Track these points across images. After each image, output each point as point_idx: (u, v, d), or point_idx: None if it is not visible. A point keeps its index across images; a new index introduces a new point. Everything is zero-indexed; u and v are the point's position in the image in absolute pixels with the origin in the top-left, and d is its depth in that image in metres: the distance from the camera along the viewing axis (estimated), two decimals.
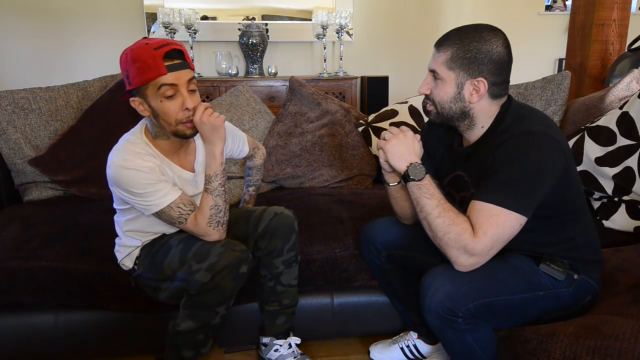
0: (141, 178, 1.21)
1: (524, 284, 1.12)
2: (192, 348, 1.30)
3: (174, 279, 1.28)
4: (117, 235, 1.42)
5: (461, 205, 1.17)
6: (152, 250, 1.37)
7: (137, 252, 1.40)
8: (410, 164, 1.15)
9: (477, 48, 1.11)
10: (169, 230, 1.39)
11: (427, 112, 1.24)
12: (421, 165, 1.15)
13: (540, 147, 1.07)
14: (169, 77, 1.18)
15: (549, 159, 1.07)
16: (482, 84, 1.13)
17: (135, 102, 1.24)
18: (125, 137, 1.31)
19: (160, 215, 1.27)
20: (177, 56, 1.20)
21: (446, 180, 1.31)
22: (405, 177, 1.16)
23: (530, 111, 1.18)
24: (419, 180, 1.14)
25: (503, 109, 1.18)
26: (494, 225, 1.05)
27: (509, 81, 1.18)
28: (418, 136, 1.22)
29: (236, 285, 1.26)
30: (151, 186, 1.22)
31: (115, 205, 1.37)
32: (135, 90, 1.21)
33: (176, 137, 1.29)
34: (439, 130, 1.34)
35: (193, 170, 1.38)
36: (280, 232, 1.40)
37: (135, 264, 1.39)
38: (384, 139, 1.21)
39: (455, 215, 1.09)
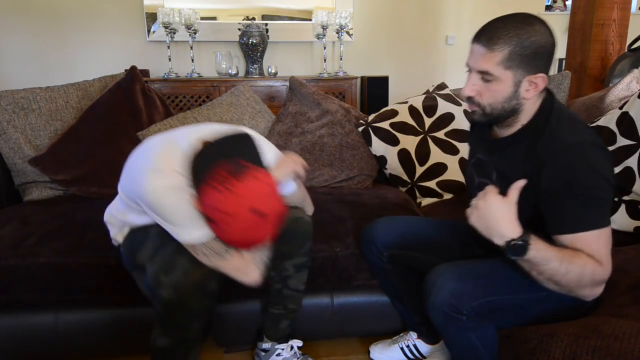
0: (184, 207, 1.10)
1: (527, 283, 1.11)
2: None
3: (144, 270, 1.21)
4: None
5: (478, 189, 1.12)
6: (135, 231, 1.31)
7: (127, 229, 1.33)
8: (506, 242, 0.99)
9: (536, 42, 1.04)
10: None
11: (470, 114, 1.18)
12: (520, 243, 0.99)
13: (598, 158, 1.05)
14: None
15: (608, 167, 1.07)
16: (541, 79, 1.07)
17: None
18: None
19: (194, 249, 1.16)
20: None
21: (472, 161, 1.29)
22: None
23: (569, 115, 1.13)
24: (521, 256, 1.00)
25: (544, 104, 1.13)
26: (605, 245, 1.05)
27: None
28: (513, 194, 1.03)
29: (206, 303, 1.19)
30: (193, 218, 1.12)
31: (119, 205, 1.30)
32: None
33: None
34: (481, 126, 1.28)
35: None
36: (296, 237, 1.38)
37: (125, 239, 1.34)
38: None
39: (577, 258, 1.02)
